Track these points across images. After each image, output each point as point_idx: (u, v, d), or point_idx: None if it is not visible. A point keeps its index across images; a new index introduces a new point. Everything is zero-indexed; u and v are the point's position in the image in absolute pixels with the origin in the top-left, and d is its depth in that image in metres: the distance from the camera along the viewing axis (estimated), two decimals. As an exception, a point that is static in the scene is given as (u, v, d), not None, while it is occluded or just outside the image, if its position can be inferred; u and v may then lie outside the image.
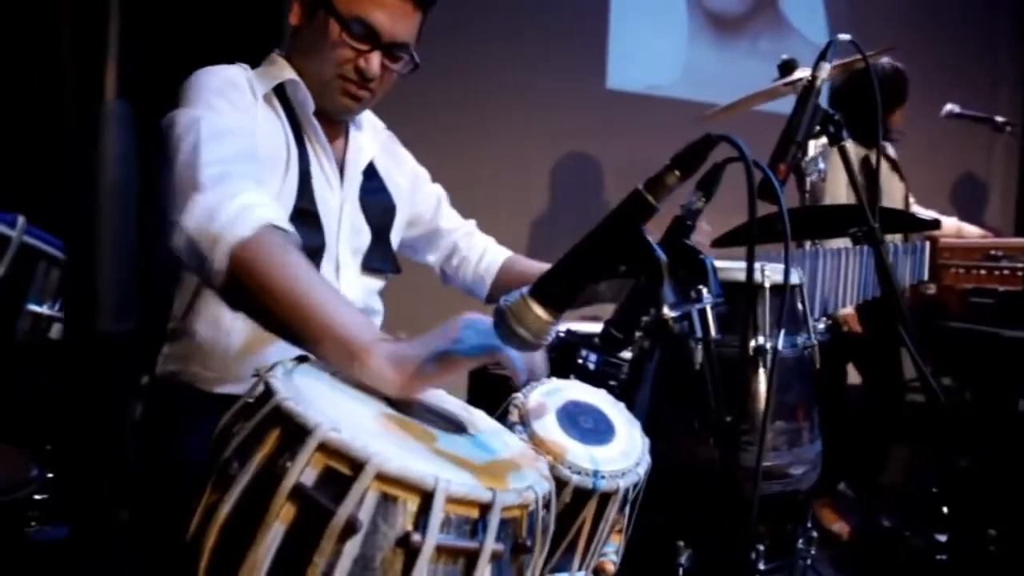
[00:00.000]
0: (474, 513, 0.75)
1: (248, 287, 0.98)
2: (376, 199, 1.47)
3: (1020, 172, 5.12)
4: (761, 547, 1.18)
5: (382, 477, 0.71)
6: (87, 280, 0.32)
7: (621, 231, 0.73)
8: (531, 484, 0.81)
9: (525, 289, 0.78)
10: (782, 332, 1.21)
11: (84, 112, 0.34)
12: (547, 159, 4.10)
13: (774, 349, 0.92)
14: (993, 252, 2.91)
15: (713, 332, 0.81)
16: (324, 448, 0.72)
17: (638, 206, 0.73)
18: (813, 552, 1.25)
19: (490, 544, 0.74)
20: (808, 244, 1.80)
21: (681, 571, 1.18)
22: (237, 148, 1.17)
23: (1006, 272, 2.92)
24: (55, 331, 0.74)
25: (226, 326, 1.29)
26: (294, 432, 0.73)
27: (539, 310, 0.76)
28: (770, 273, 1.20)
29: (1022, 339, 2.50)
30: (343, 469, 0.72)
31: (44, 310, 0.72)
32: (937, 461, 1.22)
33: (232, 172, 1.10)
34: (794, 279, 1.24)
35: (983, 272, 2.98)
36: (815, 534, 1.26)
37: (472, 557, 0.74)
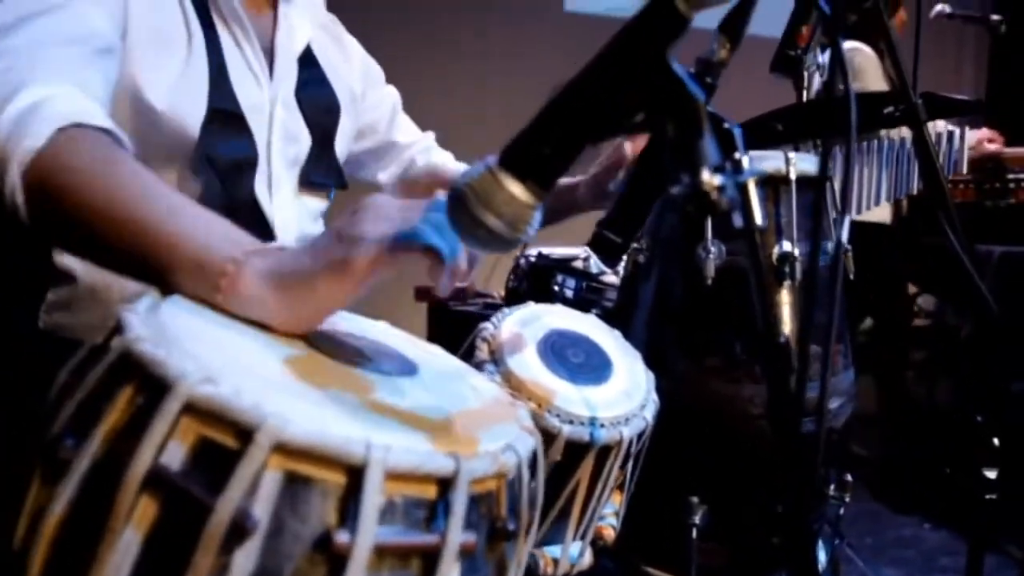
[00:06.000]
0: (430, 492, 0.51)
1: (54, 215, 0.71)
2: (316, 95, 1.15)
3: (990, 71, 4.96)
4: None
5: (284, 448, 0.46)
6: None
7: (638, 57, 0.48)
8: (510, 443, 0.57)
9: (492, 158, 0.52)
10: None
11: None
12: (505, 87, 3.80)
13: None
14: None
15: (759, 219, 0.57)
16: (193, 410, 0.47)
17: (663, 19, 0.47)
18: (847, 499, 1.05)
19: (455, 536, 0.50)
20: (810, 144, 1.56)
21: (695, 532, 0.97)
22: (52, 30, 0.85)
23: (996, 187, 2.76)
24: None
25: None
26: (151, 388, 0.49)
27: (514, 186, 0.50)
28: (796, 162, 0.97)
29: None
30: (227, 441, 0.47)
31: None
32: (985, 387, 1.03)
33: (27, 62, 0.80)
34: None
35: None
36: (849, 478, 1.05)
37: (431, 555, 0.50)
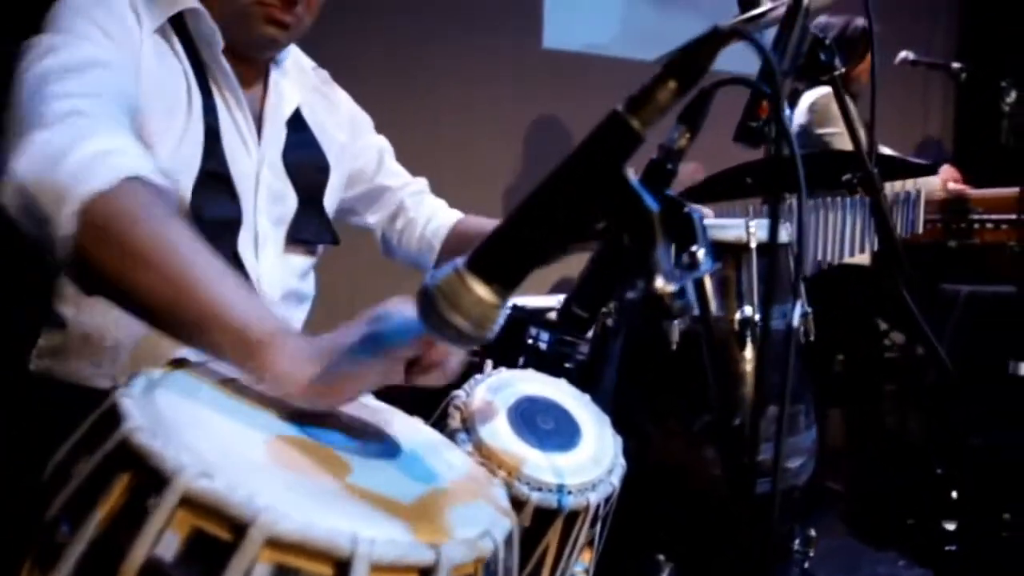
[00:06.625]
0: (411, 579, 0.53)
1: (105, 258, 0.74)
2: (304, 158, 1.20)
3: (956, 115, 5.09)
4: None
5: (276, 543, 0.49)
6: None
7: (594, 172, 0.52)
8: (486, 528, 0.60)
9: (460, 260, 0.55)
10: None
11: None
12: (484, 123, 3.85)
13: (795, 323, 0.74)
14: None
15: (714, 308, 0.60)
16: (190, 503, 0.50)
17: (618, 136, 0.51)
18: (811, 554, 1.08)
19: (434, 620, 0.53)
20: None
21: (662, 589, 0.99)
22: (101, 82, 0.92)
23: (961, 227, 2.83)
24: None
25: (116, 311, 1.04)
26: (148, 479, 0.51)
27: (480, 289, 0.54)
28: (756, 230, 1.01)
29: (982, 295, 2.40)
30: (220, 533, 0.50)
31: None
32: (944, 440, 1.06)
33: (88, 109, 0.86)
34: (783, 237, 1.05)
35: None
36: (813, 533, 1.09)
37: (410, 639, 0.52)
